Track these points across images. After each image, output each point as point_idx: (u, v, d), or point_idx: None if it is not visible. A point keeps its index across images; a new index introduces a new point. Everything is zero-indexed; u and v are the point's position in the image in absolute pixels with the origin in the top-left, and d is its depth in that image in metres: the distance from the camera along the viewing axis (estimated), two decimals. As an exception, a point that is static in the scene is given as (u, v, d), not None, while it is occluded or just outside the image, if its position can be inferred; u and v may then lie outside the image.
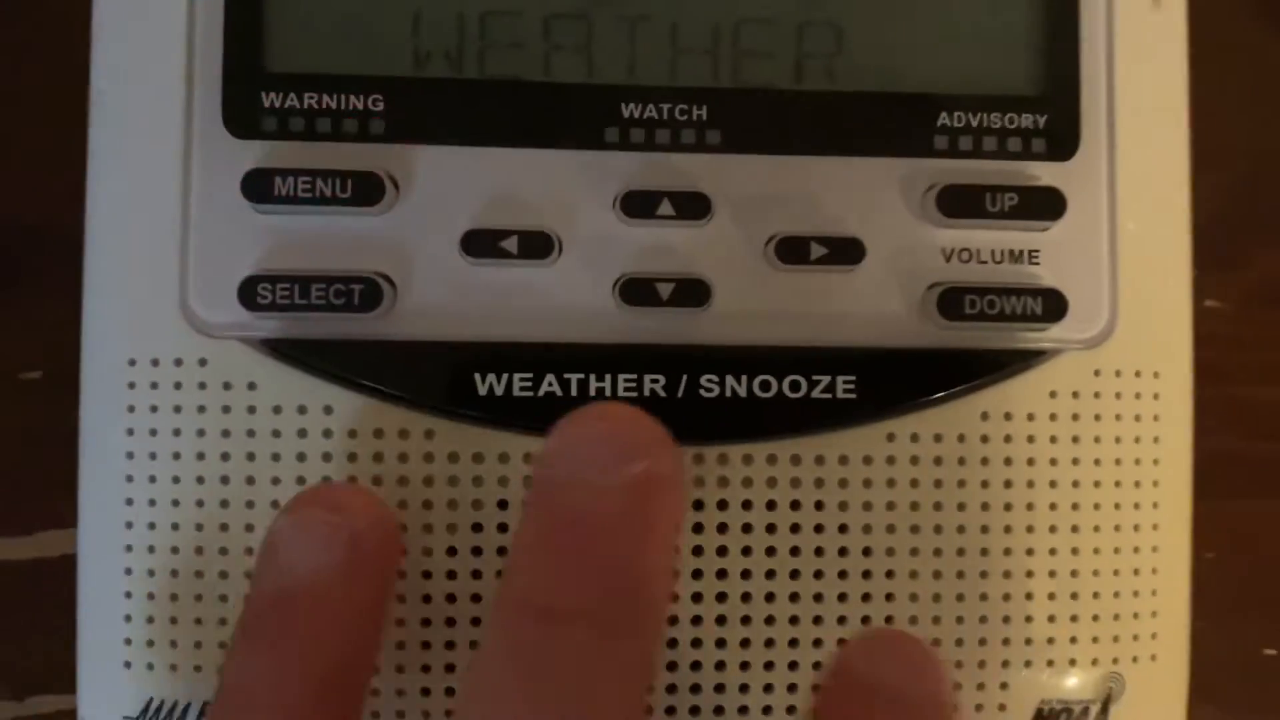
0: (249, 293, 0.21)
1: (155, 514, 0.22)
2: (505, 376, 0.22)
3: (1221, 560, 0.29)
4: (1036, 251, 0.23)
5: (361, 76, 0.22)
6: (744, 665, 0.22)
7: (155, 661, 0.22)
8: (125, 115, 0.22)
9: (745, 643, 0.22)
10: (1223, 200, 0.31)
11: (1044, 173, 0.23)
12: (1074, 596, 0.23)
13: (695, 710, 0.22)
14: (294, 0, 0.22)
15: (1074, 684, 0.23)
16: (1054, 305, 0.22)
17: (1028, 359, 0.23)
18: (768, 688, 0.22)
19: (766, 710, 0.22)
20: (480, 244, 0.22)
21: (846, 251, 0.22)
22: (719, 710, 0.22)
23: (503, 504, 0.22)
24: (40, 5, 0.29)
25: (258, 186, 0.21)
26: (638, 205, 0.22)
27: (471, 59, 0.22)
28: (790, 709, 0.22)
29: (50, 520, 0.28)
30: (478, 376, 0.22)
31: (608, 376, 0.22)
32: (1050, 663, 0.23)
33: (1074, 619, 0.23)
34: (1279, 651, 0.30)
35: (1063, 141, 0.23)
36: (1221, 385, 0.30)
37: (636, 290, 0.22)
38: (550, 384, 0.22)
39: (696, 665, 0.22)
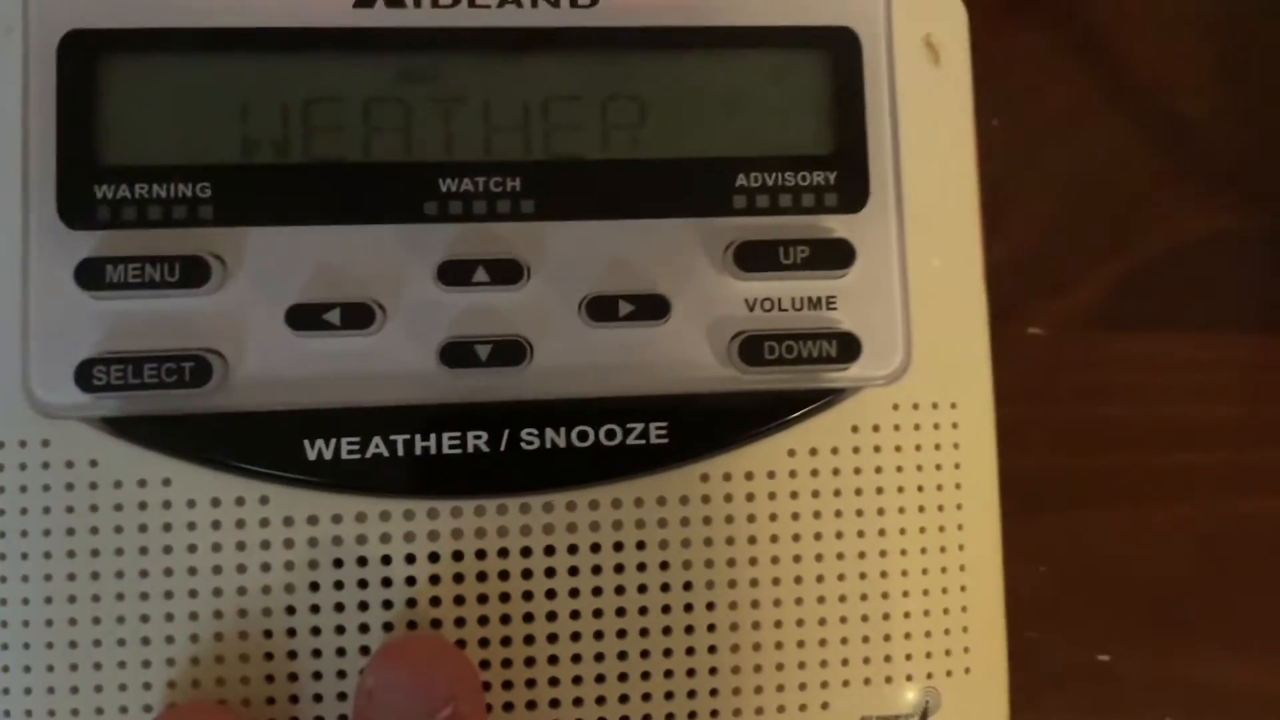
0: (85, 375, 0.22)
1: (4, 590, 0.23)
2: (334, 441, 0.23)
3: (1054, 572, 0.31)
4: (834, 298, 0.25)
5: (191, 166, 0.24)
6: (577, 701, 0.23)
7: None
8: (-35, 210, 0.23)
9: (577, 679, 0.23)
10: (1042, 233, 0.33)
11: (838, 225, 0.25)
12: (886, 617, 0.24)
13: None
14: (126, 95, 0.24)
15: (892, 700, 0.24)
16: (848, 346, 0.24)
17: (829, 397, 0.24)
18: (600, 721, 0.23)
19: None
20: (304, 317, 0.23)
21: (653, 307, 0.24)
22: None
23: (338, 562, 0.23)
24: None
25: (90, 275, 0.23)
26: (454, 273, 0.23)
27: (296, 144, 0.24)
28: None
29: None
30: (307, 443, 0.23)
31: (433, 435, 0.23)
32: (867, 681, 0.24)
33: (887, 638, 0.24)
34: (1112, 657, 0.32)
35: (853, 195, 0.25)
36: (1045, 406, 0.32)
37: (457, 353, 0.23)
38: (377, 445, 0.23)
39: (536, 703, 0.23)
